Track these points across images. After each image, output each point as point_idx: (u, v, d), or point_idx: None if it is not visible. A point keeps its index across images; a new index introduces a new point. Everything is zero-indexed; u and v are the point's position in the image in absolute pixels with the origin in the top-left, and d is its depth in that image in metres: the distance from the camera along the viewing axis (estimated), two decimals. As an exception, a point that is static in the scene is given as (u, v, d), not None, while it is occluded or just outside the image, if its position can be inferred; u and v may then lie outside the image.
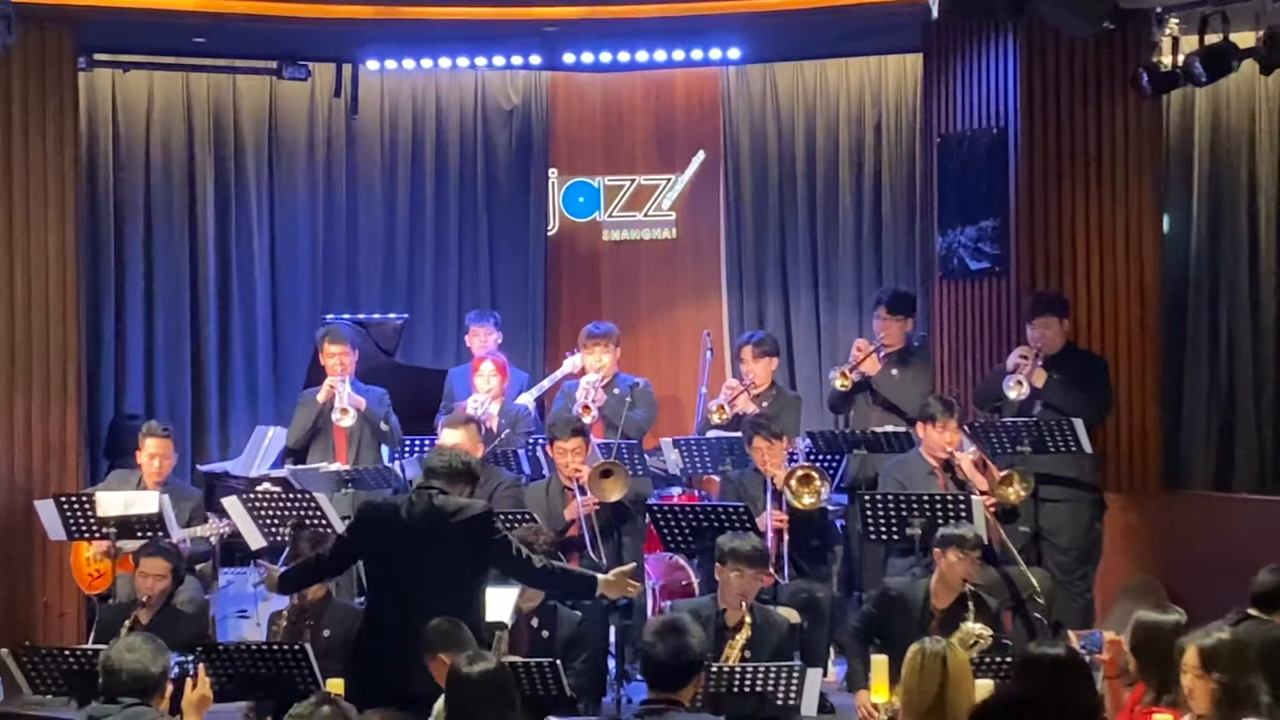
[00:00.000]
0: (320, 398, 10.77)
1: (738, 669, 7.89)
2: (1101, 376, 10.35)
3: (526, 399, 11.33)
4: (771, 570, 9.35)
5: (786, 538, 9.74)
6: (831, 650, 9.80)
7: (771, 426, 10.02)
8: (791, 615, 9.14)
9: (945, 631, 8.16)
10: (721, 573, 8.62)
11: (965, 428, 9.93)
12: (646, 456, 10.64)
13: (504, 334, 11.75)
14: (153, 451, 10.11)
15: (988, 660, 7.71)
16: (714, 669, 7.75)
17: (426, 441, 10.57)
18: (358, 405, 10.69)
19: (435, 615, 7.16)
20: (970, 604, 8.41)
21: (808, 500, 9.77)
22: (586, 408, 10.68)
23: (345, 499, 10.11)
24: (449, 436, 9.68)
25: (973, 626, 8.26)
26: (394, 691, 7.21)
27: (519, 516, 9.28)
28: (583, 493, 9.79)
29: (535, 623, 8.68)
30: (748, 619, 8.49)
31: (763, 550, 8.79)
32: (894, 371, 10.80)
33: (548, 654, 8.21)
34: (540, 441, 10.65)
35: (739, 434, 10.27)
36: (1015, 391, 9.93)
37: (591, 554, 9.62)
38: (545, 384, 11.57)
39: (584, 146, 13.48)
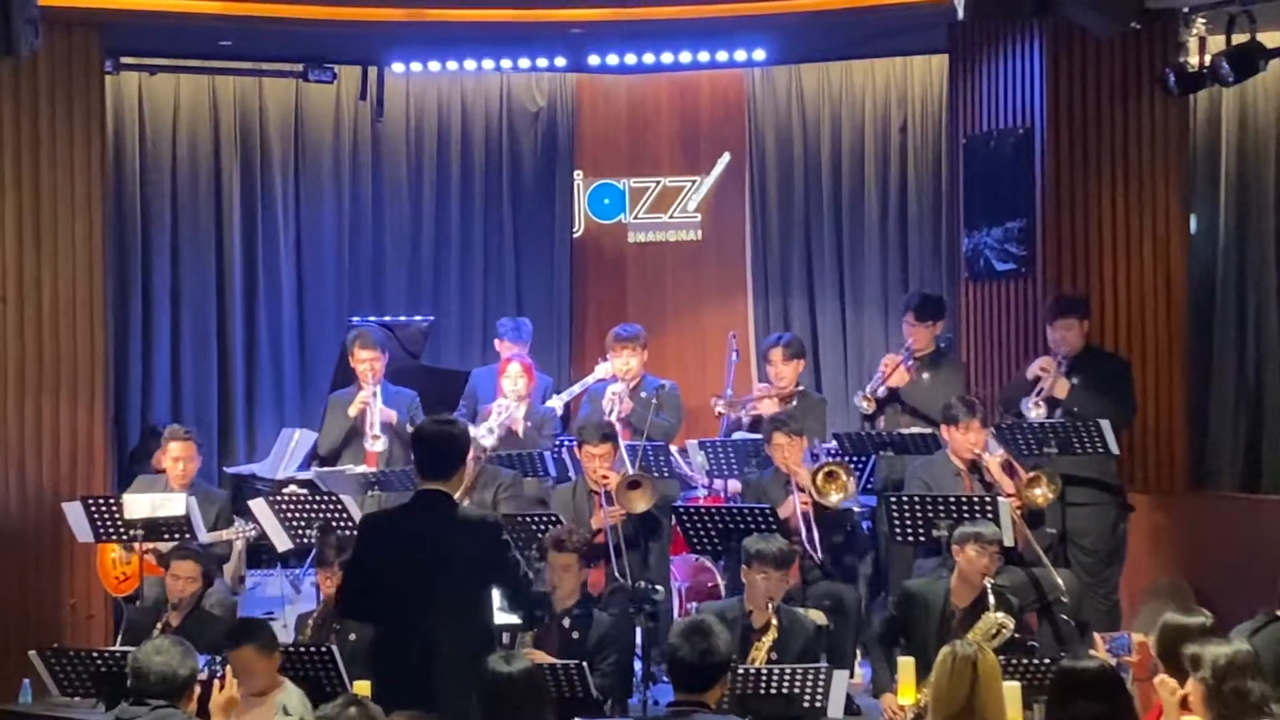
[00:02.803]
0: (352, 412, 10.72)
1: (764, 671, 7.90)
2: (1124, 379, 10.29)
3: (556, 403, 11.32)
4: (806, 548, 9.36)
5: (815, 528, 9.65)
6: (858, 652, 9.78)
7: (791, 424, 9.97)
8: (818, 617, 9.12)
9: (967, 629, 8.16)
10: (747, 574, 8.62)
11: (992, 429, 9.90)
12: (671, 460, 10.62)
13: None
14: (177, 454, 10.12)
15: (1014, 663, 7.68)
16: (740, 671, 7.76)
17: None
18: (389, 419, 10.63)
19: (451, 618, 7.07)
20: (991, 599, 8.38)
21: (835, 498, 9.70)
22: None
23: (372, 501, 10.09)
24: None
25: (995, 616, 8.23)
26: (419, 695, 7.15)
27: (531, 519, 9.37)
28: (609, 501, 9.75)
29: (567, 623, 8.68)
30: (774, 621, 8.49)
31: (788, 552, 8.77)
32: (925, 376, 10.66)
33: (578, 655, 8.21)
34: (566, 443, 10.63)
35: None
36: (1034, 413, 9.85)
37: (615, 564, 9.59)
38: (576, 389, 11.51)
39: (609, 148, 13.47)
